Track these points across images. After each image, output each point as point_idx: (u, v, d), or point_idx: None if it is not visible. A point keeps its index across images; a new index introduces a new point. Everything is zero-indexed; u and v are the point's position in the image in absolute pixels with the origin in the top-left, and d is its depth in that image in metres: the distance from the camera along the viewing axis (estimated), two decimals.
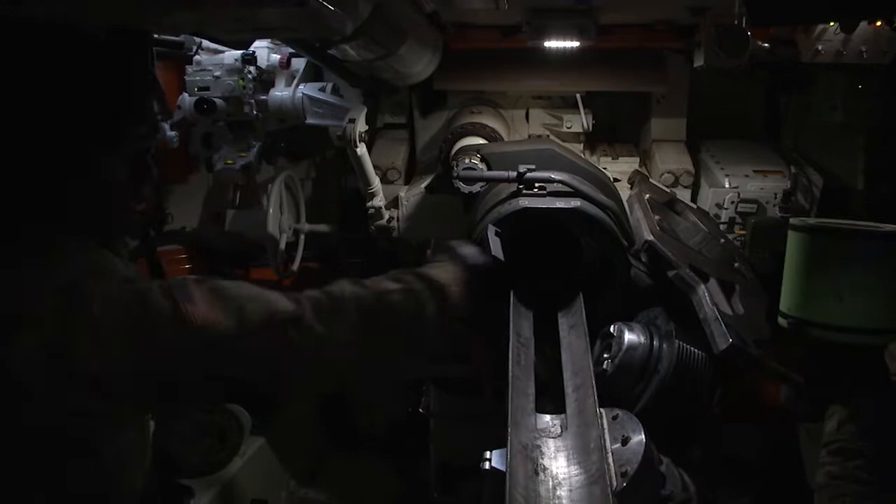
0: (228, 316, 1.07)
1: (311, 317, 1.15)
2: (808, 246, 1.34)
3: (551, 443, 1.56)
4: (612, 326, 2.01)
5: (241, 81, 2.96)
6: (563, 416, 1.64)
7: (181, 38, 3.00)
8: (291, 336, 1.12)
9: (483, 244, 2.20)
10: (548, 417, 1.65)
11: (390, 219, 2.93)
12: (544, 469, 1.47)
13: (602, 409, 1.52)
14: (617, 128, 3.23)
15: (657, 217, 2.37)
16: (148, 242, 3.00)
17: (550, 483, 1.43)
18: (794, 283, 1.36)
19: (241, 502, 3.06)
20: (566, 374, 1.77)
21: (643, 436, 1.46)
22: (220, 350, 1.07)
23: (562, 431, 1.59)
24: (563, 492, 1.40)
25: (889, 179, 3.00)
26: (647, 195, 2.57)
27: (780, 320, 1.41)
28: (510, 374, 1.65)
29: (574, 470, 1.45)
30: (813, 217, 2.79)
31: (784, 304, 1.39)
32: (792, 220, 1.44)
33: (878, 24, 2.31)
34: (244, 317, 1.08)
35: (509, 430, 1.43)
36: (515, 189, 2.37)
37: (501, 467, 1.30)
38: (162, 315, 1.04)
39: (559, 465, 1.48)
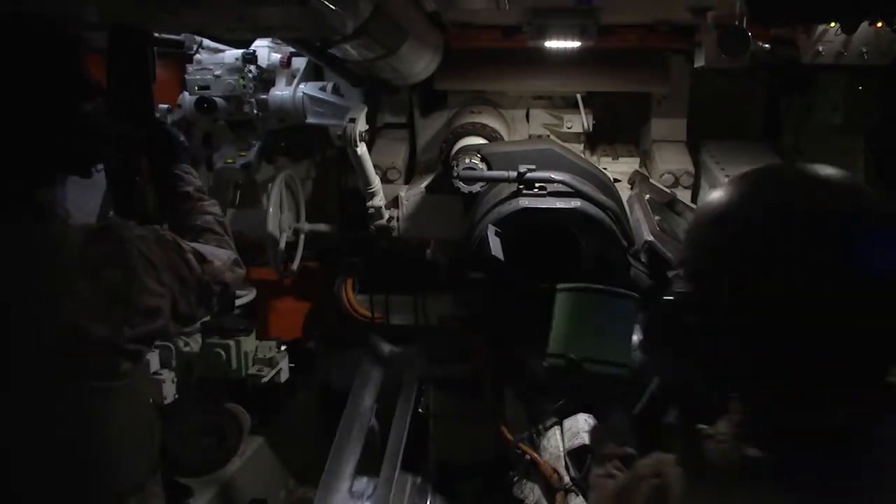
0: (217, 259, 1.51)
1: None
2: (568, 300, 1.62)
3: None
4: None
5: (241, 80, 2.96)
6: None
7: (182, 36, 3.00)
8: (238, 271, 1.60)
9: (483, 244, 2.21)
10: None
11: (390, 218, 2.93)
12: None
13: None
14: (617, 128, 3.23)
15: (657, 217, 2.37)
16: None
17: None
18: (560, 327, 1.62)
19: (240, 501, 3.06)
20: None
21: None
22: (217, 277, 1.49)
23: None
24: None
25: (889, 181, 3.00)
26: (648, 196, 2.57)
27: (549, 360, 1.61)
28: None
29: None
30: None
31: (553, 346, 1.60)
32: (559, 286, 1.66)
33: (879, 25, 2.31)
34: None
35: None
36: (516, 189, 2.37)
37: None
38: (189, 257, 1.39)
39: None
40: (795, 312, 0.81)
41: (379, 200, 2.84)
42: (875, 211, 0.84)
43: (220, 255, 1.54)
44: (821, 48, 2.43)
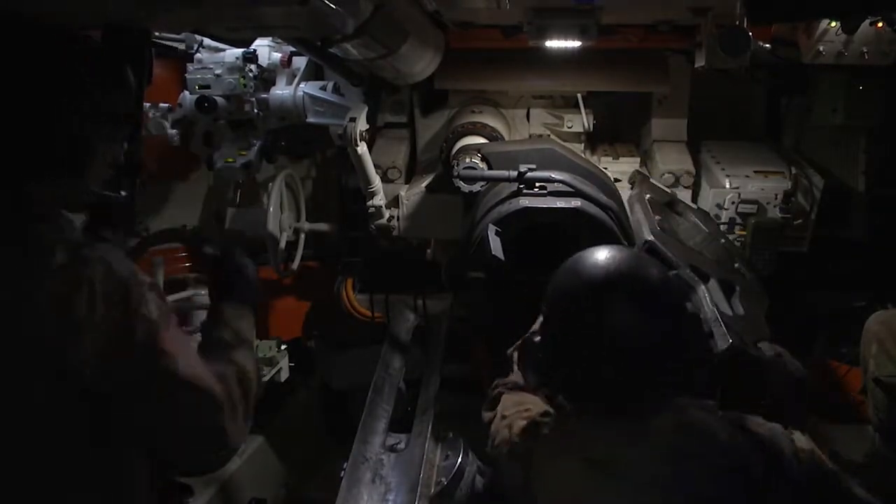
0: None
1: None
2: None
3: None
4: None
5: (242, 80, 2.96)
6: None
7: (182, 35, 3.00)
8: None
9: (483, 243, 2.21)
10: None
11: (391, 218, 2.93)
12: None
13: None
14: (618, 128, 3.23)
15: (657, 217, 2.37)
16: (147, 241, 2.99)
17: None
18: None
19: (239, 501, 3.06)
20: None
21: (460, 456, 2.26)
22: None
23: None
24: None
25: (889, 180, 3.00)
26: (648, 195, 2.57)
27: None
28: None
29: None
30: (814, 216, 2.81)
31: None
32: None
33: (880, 25, 2.31)
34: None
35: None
36: (516, 188, 2.37)
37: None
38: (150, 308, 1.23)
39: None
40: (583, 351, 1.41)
41: (379, 200, 2.84)
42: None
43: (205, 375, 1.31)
44: (821, 48, 2.43)
